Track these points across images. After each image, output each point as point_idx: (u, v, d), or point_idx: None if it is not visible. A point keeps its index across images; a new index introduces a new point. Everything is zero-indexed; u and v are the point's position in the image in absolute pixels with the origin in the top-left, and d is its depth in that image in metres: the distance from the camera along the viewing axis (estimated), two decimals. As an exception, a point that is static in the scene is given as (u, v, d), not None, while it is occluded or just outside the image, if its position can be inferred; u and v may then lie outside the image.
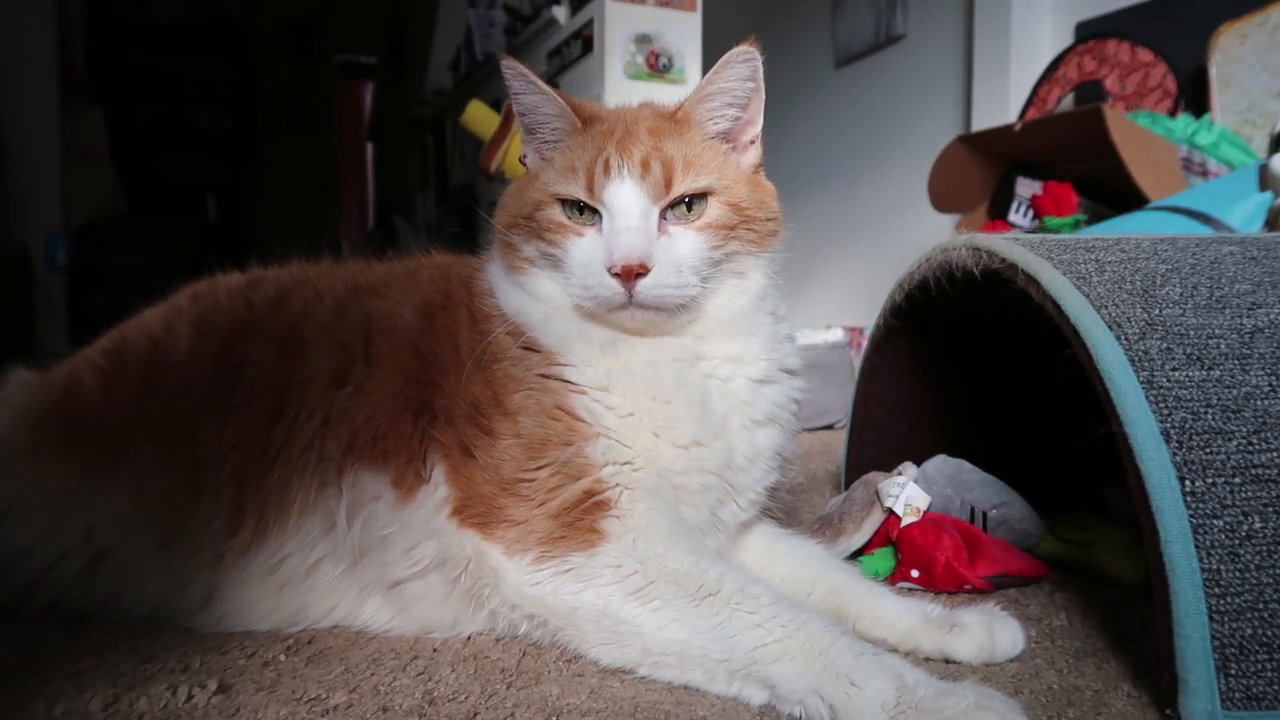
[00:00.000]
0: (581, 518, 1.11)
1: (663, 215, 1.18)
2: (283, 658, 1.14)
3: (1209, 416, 1.00)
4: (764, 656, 0.98)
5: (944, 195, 3.75)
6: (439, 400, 1.20)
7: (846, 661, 0.95)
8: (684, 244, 1.17)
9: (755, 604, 1.02)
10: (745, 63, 1.22)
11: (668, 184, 1.17)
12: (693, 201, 1.19)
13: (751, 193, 1.24)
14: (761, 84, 1.25)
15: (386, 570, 1.21)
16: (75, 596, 1.28)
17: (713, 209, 1.19)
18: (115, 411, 1.31)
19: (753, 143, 1.29)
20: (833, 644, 0.97)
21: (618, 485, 1.14)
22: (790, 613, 1.01)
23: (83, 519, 1.26)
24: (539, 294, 1.24)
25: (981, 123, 4.40)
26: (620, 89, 4.09)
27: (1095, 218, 3.21)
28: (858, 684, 0.93)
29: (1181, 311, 1.09)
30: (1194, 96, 3.58)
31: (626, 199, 1.16)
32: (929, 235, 4.42)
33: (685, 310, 1.20)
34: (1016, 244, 1.26)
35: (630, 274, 1.13)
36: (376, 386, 1.22)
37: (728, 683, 1.01)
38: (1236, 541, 0.95)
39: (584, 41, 4.31)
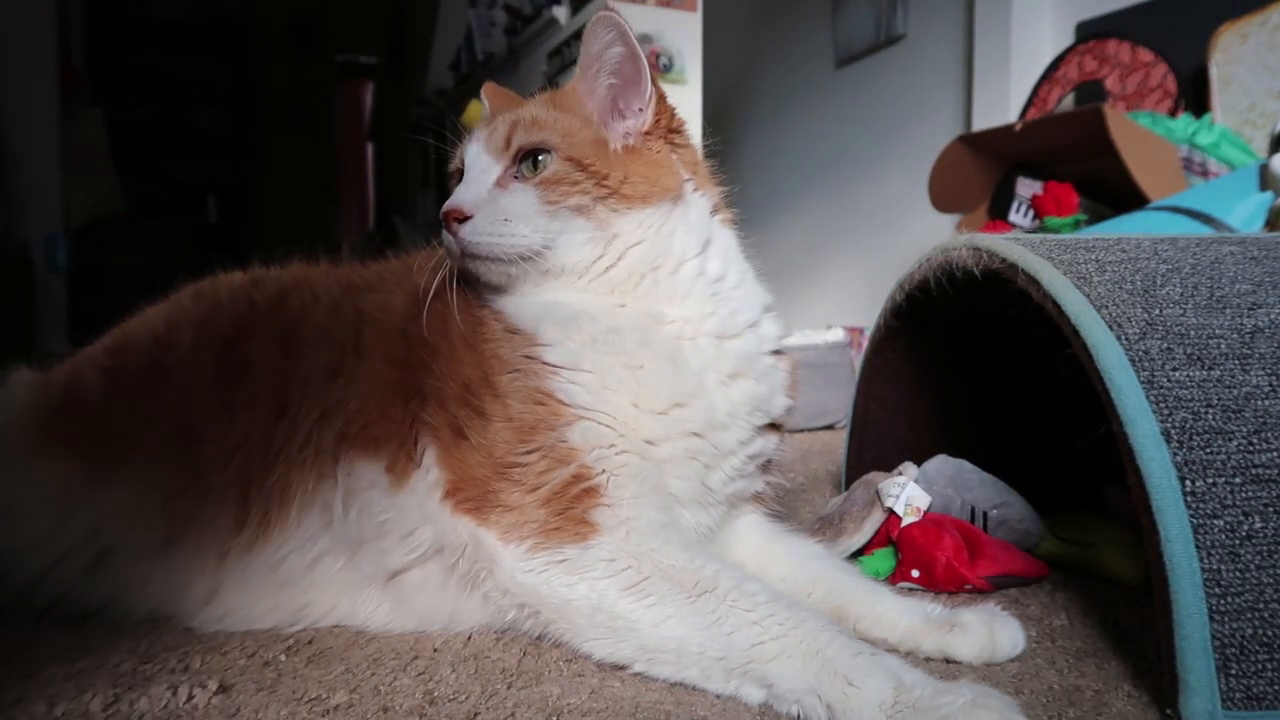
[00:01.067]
0: (572, 506, 1.10)
1: (516, 175, 1.24)
2: (283, 658, 1.14)
3: (1209, 416, 1.00)
4: (761, 655, 0.98)
5: (944, 195, 3.75)
6: (429, 382, 1.20)
7: (844, 661, 0.95)
8: (516, 196, 1.23)
9: (752, 601, 1.02)
10: (605, 30, 1.26)
11: (507, 142, 1.25)
12: (537, 159, 1.24)
13: (599, 152, 1.27)
14: (634, 49, 1.28)
15: (384, 559, 1.21)
16: (77, 596, 1.28)
17: (551, 165, 1.24)
18: (119, 411, 1.31)
19: (642, 109, 1.31)
20: (830, 643, 0.97)
21: (604, 471, 1.13)
22: (787, 611, 1.01)
23: (86, 517, 1.27)
24: None
25: (982, 122, 4.40)
26: (621, 89, 4.08)
27: (1096, 218, 3.22)
28: (855, 683, 0.93)
29: (1182, 311, 1.09)
30: (1194, 96, 3.58)
31: (472, 157, 1.28)
32: (929, 235, 4.42)
33: (533, 261, 1.23)
34: (1017, 244, 1.26)
35: (449, 220, 1.20)
36: (365, 375, 1.23)
37: (724, 680, 1.01)
38: (1237, 541, 0.95)
39: (585, 41, 4.31)
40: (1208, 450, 0.99)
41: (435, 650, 1.16)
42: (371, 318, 1.29)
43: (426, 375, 1.21)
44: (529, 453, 1.13)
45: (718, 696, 1.01)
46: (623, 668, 1.07)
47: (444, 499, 1.15)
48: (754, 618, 1.00)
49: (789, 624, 0.99)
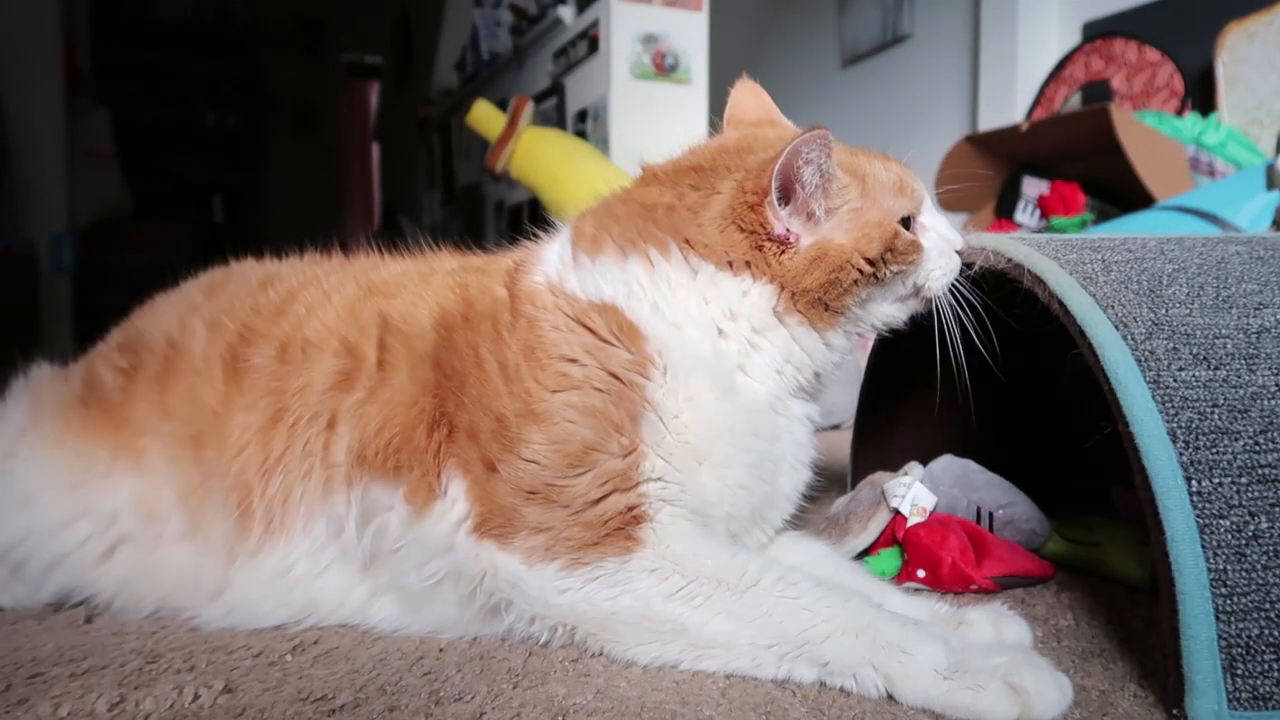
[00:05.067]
0: (620, 528, 1.10)
1: None
2: (289, 657, 1.14)
3: (1215, 416, 1.00)
4: (814, 636, 1.02)
5: (950, 195, 3.75)
6: (461, 416, 1.16)
7: (894, 632, 1.01)
8: None
9: (797, 590, 1.05)
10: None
11: None
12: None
13: None
14: None
15: (399, 578, 1.20)
16: (87, 584, 1.30)
17: None
18: (135, 409, 1.31)
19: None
20: (876, 618, 1.03)
21: (661, 501, 1.13)
22: (831, 594, 1.05)
23: (106, 505, 1.28)
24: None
25: (988, 122, 4.40)
26: (626, 89, 4.09)
27: (1102, 218, 3.22)
28: (908, 651, 0.99)
29: (1188, 311, 1.09)
30: (1201, 96, 3.58)
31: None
32: (935, 235, 4.41)
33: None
34: (1023, 243, 1.26)
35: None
36: (390, 396, 1.20)
37: (776, 666, 1.04)
38: (1243, 541, 0.95)
39: (590, 41, 4.32)
40: (1214, 450, 0.98)
41: (441, 650, 1.16)
42: (397, 330, 1.25)
43: (459, 408, 1.17)
44: (578, 475, 1.10)
45: (724, 696, 1.01)
46: (670, 667, 1.08)
47: (471, 532, 1.13)
48: (803, 604, 1.04)
49: (836, 605, 1.03)
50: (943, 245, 1.27)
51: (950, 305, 1.27)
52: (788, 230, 1.18)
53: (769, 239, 1.18)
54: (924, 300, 1.28)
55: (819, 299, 1.20)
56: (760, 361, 1.22)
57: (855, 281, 1.20)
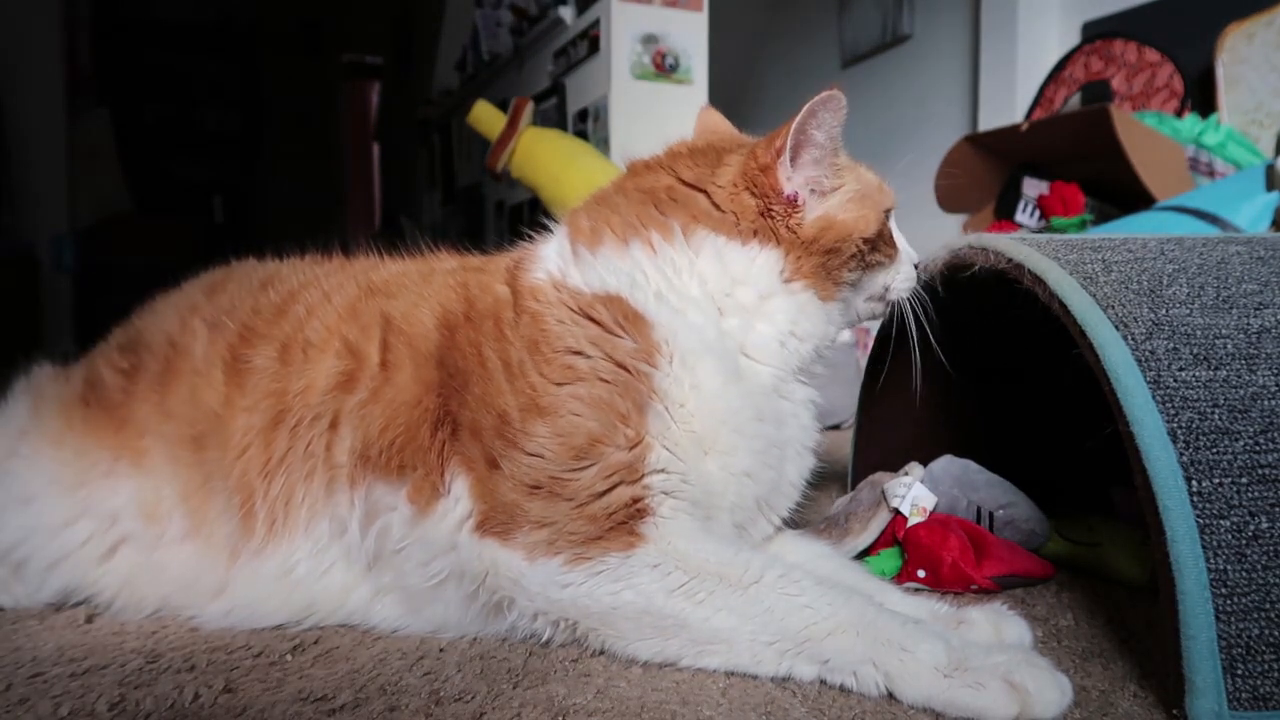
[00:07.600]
0: (624, 521, 1.09)
1: None
2: (289, 657, 1.14)
3: (1216, 416, 1.00)
4: (815, 634, 1.02)
5: (950, 195, 3.75)
6: (464, 414, 1.16)
7: (894, 630, 1.01)
8: None
9: (799, 587, 1.05)
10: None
11: None
12: None
13: None
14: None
15: (402, 578, 1.20)
16: (88, 584, 1.30)
17: None
18: (136, 410, 1.32)
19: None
20: (877, 616, 1.03)
21: (663, 494, 1.13)
22: (833, 592, 1.06)
23: (108, 506, 1.28)
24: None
25: (988, 123, 4.40)
26: (626, 89, 4.09)
27: (1102, 218, 3.21)
28: (909, 649, 1.00)
29: (1188, 311, 1.09)
30: (1201, 96, 3.58)
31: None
32: (935, 235, 4.41)
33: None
34: (1023, 244, 1.26)
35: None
36: (394, 396, 1.20)
37: (777, 663, 1.04)
38: (1243, 541, 0.95)
39: (590, 41, 4.32)
40: (1214, 450, 0.98)
41: (441, 650, 1.16)
42: (399, 330, 1.24)
43: (462, 406, 1.17)
44: (583, 467, 1.10)
45: (724, 695, 1.01)
46: (670, 664, 1.08)
47: (474, 530, 1.12)
48: (804, 601, 1.04)
49: (837, 603, 1.04)
50: (904, 255, 1.37)
51: (910, 310, 1.37)
52: (796, 193, 1.24)
53: (778, 201, 1.23)
54: (886, 304, 1.38)
55: (822, 265, 1.25)
56: (764, 333, 1.25)
57: (852, 256, 1.27)
